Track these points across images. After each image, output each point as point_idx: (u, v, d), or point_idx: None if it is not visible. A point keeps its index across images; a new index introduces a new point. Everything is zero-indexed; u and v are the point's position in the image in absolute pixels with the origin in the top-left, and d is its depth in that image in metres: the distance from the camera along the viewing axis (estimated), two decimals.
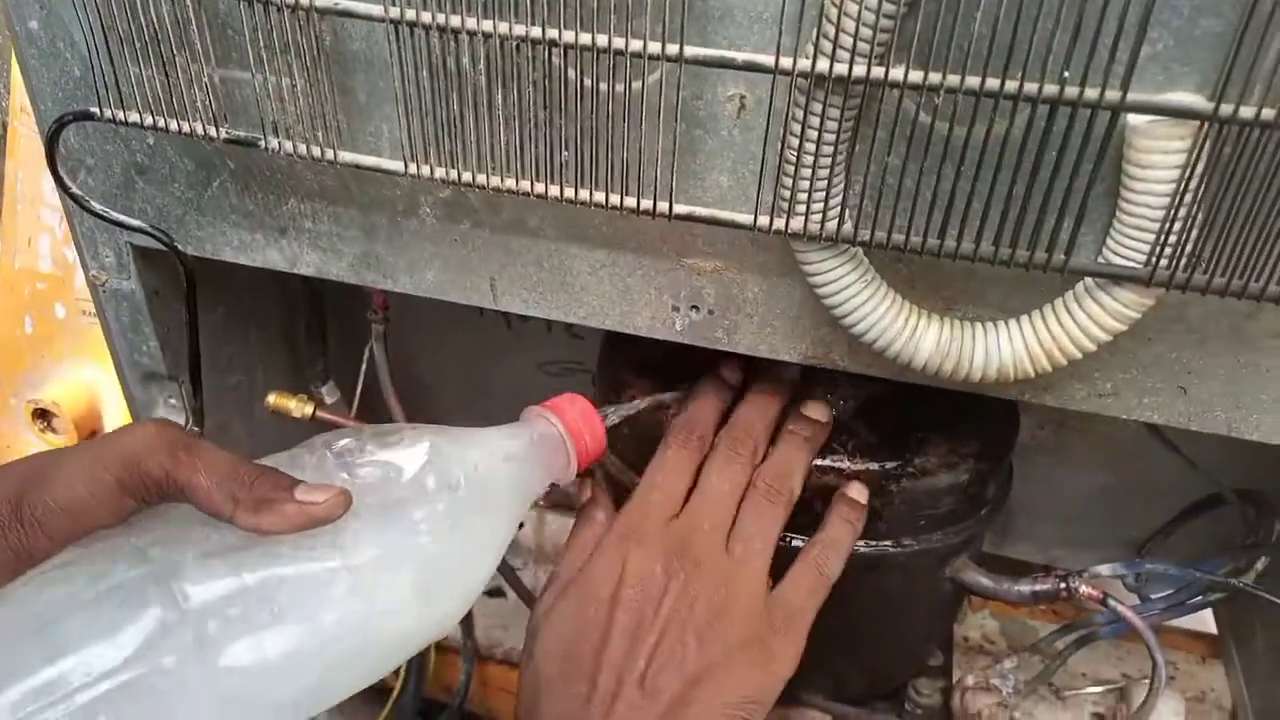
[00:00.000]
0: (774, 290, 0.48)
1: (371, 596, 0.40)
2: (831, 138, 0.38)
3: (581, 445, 0.50)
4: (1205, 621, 0.91)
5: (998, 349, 0.43)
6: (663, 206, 0.42)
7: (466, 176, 0.43)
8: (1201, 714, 0.83)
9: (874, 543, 0.57)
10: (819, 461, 0.56)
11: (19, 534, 0.37)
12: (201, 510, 0.38)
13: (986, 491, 0.60)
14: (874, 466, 0.56)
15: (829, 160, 0.39)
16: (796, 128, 0.39)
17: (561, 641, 0.49)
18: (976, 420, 0.59)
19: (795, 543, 0.55)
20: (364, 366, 0.68)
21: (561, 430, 0.50)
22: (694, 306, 0.50)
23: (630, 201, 0.42)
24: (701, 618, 0.48)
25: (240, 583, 0.37)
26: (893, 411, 0.59)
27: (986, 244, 0.40)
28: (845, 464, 0.56)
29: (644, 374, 0.62)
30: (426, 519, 0.42)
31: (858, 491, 0.55)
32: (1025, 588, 0.59)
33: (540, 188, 0.42)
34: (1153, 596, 0.63)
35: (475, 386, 0.96)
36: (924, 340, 0.43)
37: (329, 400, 0.76)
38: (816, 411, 0.56)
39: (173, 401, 0.67)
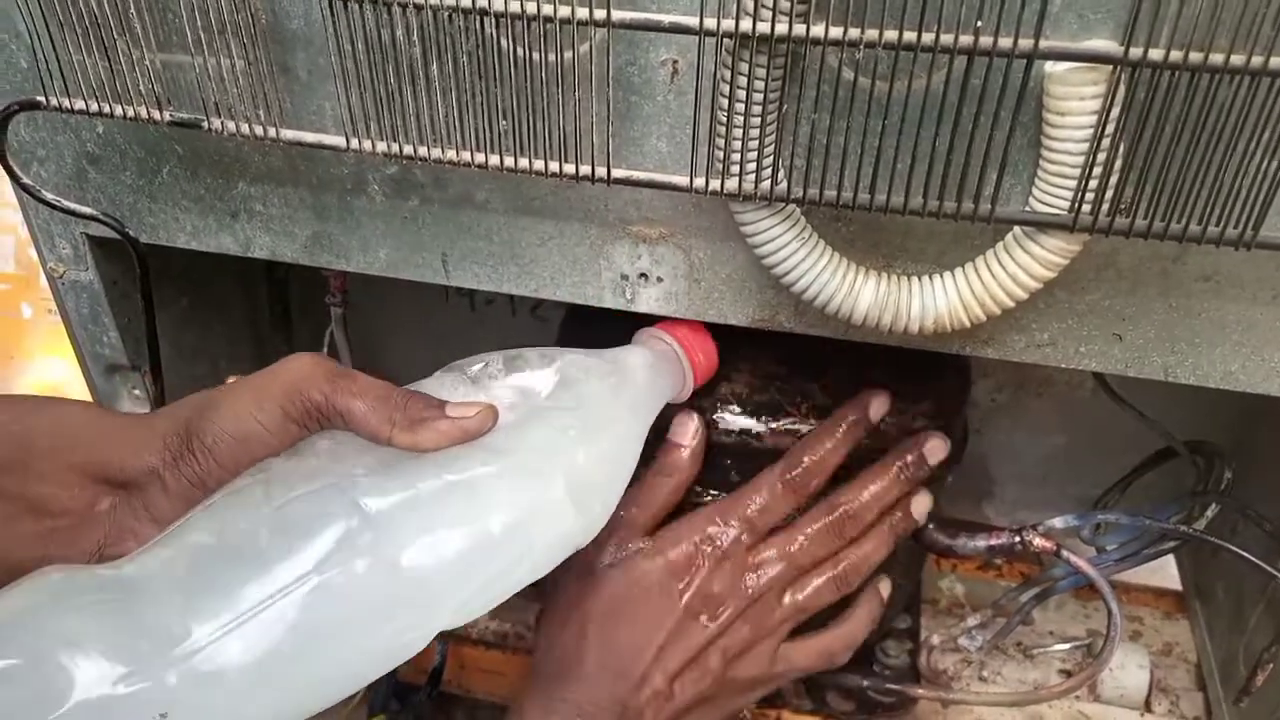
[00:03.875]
0: (719, 255, 0.49)
1: (532, 499, 0.42)
2: (760, 97, 0.39)
3: (695, 360, 0.52)
4: (1172, 579, 0.92)
5: (934, 300, 0.44)
6: (601, 172, 0.42)
7: (408, 150, 0.44)
8: (1168, 667, 0.84)
9: None
10: (773, 424, 0.57)
11: (193, 462, 0.40)
12: (360, 433, 0.39)
13: None
14: None
15: (760, 120, 0.40)
16: (726, 89, 0.39)
17: (628, 606, 0.53)
18: (928, 380, 0.60)
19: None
20: (324, 351, 0.68)
21: (676, 347, 0.52)
22: (642, 275, 0.51)
23: (570, 168, 0.43)
24: (731, 652, 0.54)
25: (414, 492, 0.39)
26: (847, 373, 0.60)
27: (916, 197, 0.41)
28: (799, 425, 0.57)
29: (601, 346, 0.62)
30: (568, 427, 0.44)
31: (886, 587, 0.60)
32: (981, 543, 0.60)
33: (480, 158, 0.43)
34: (1109, 548, 0.64)
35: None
36: (862, 295, 0.44)
37: None
38: (923, 502, 0.59)
39: (136, 392, 0.67)
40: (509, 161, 0.43)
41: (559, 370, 0.46)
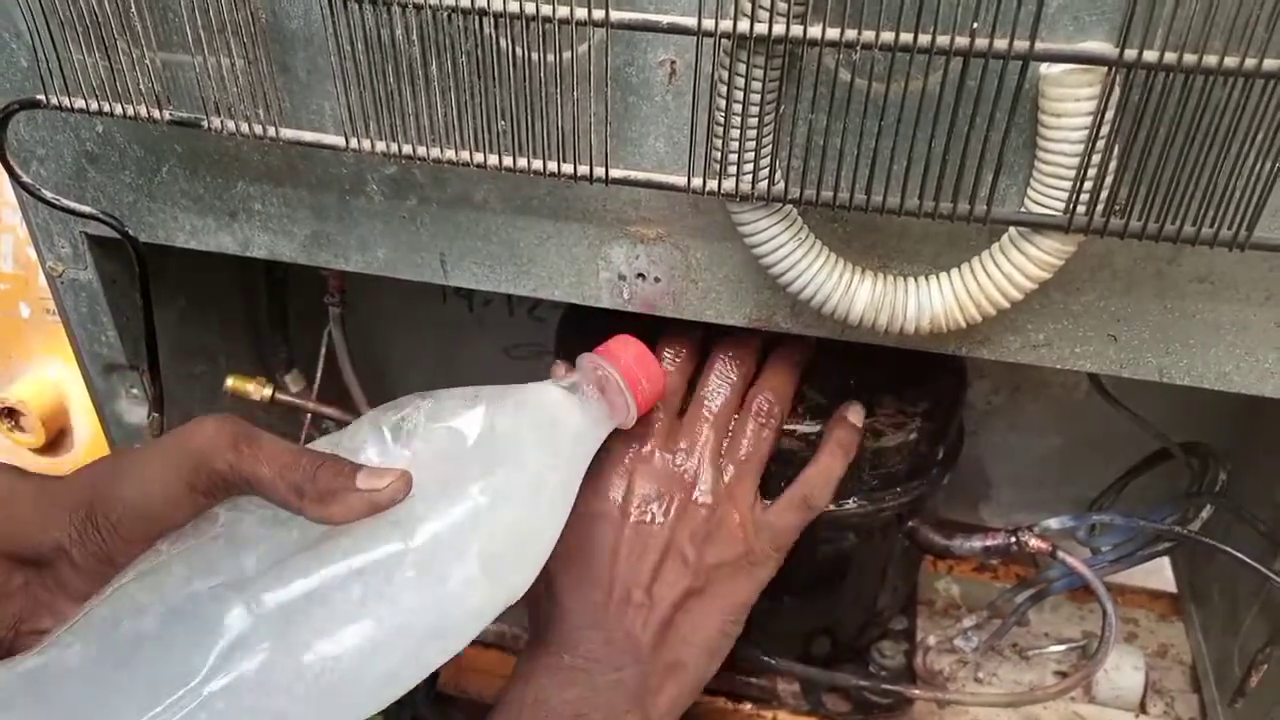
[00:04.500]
0: (716, 255, 0.49)
1: (441, 576, 0.40)
2: (758, 98, 0.39)
3: (639, 390, 0.50)
4: (1167, 580, 0.92)
5: (930, 301, 0.44)
6: (599, 172, 0.43)
7: (407, 150, 0.44)
8: (1163, 669, 0.84)
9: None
10: None
11: (98, 540, 0.39)
12: (268, 500, 0.38)
13: (936, 451, 0.62)
14: (823, 428, 0.57)
15: (757, 120, 0.40)
16: (724, 89, 0.40)
17: (580, 554, 0.53)
18: (924, 382, 0.60)
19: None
20: (323, 350, 0.68)
21: (617, 377, 0.50)
22: (640, 275, 0.51)
23: (568, 168, 0.43)
24: (697, 536, 0.53)
25: (311, 583, 0.38)
26: (842, 374, 0.60)
27: (912, 198, 0.41)
28: (796, 426, 0.57)
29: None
30: (488, 489, 0.41)
31: (855, 415, 0.57)
32: (977, 543, 0.60)
33: (479, 158, 0.43)
34: (1104, 549, 0.64)
35: (441, 372, 0.96)
36: (858, 295, 0.45)
37: (294, 388, 0.77)
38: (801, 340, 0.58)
39: (134, 391, 0.67)
40: (508, 161, 0.43)
41: (484, 420, 0.43)
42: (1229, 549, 0.56)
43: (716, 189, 0.42)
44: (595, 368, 0.51)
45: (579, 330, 0.65)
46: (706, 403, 0.56)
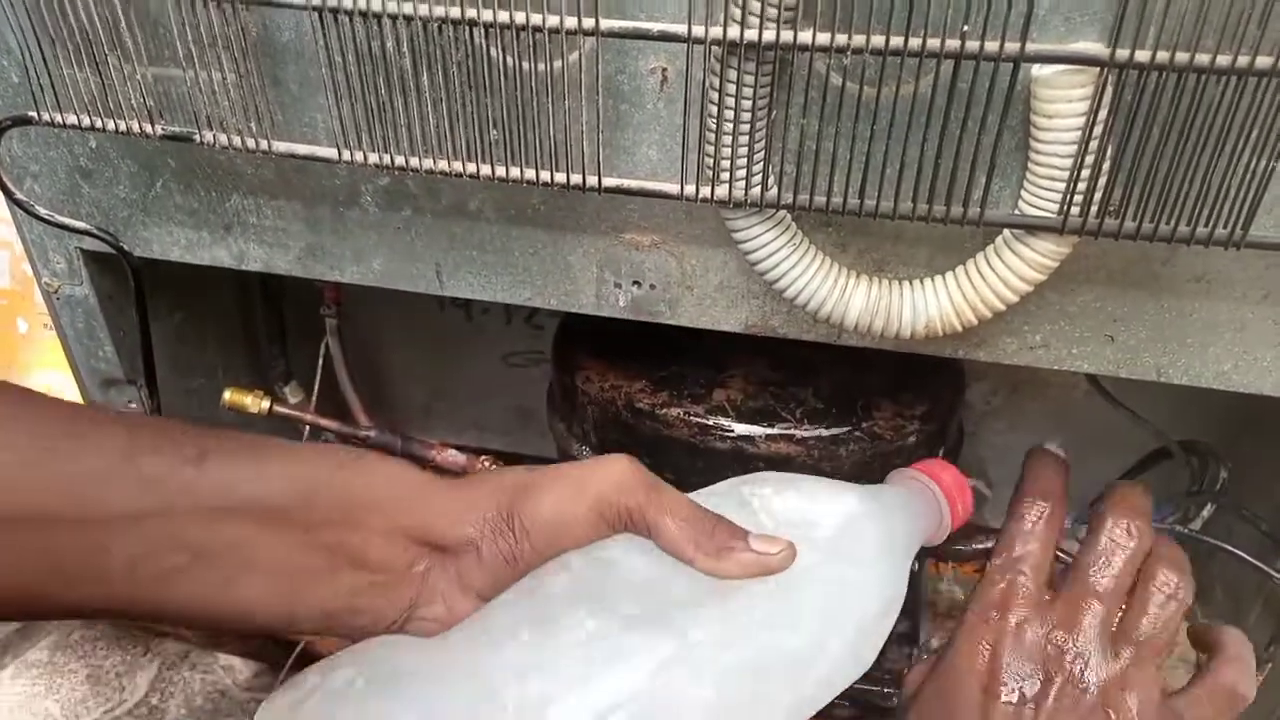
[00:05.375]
0: (710, 261, 0.49)
1: (818, 649, 0.42)
2: (749, 104, 0.39)
3: (955, 512, 0.51)
4: None
5: (925, 305, 0.44)
6: (592, 181, 0.43)
7: (400, 161, 0.44)
8: (1168, 667, 0.84)
9: None
10: (768, 430, 0.57)
11: (510, 541, 0.42)
12: (665, 548, 0.41)
13: (936, 453, 0.62)
14: (823, 432, 0.57)
15: (749, 127, 0.40)
16: (715, 96, 0.40)
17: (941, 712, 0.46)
18: (922, 385, 0.60)
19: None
20: (320, 362, 0.68)
21: (938, 494, 0.50)
22: (635, 282, 0.51)
23: (560, 177, 0.43)
24: None
25: (726, 630, 0.40)
26: (841, 378, 0.60)
27: (906, 202, 0.41)
28: (794, 430, 0.57)
29: (598, 356, 0.63)
30: (854, 581, 0.44)
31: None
32: (979, 545, 0.60)
33: (472, 168, 0.43)
34: None
35: (442, 381, 0.96)
36: (854, 300, 0.45)
37: (292, 400, 0.77)
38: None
39: (133, 405, 0.67)
40: (500, 171, 0.43)
41: (839, 512, 0.46)
42: (1230, 548, 0.56)
43: (710, 196, 0.42)
44: (919, 484, 0.51)
45: (577, 339, 0.65)
46: (1094, 572, 0.45)
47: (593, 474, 0.42)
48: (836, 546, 0.44)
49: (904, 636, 0.74)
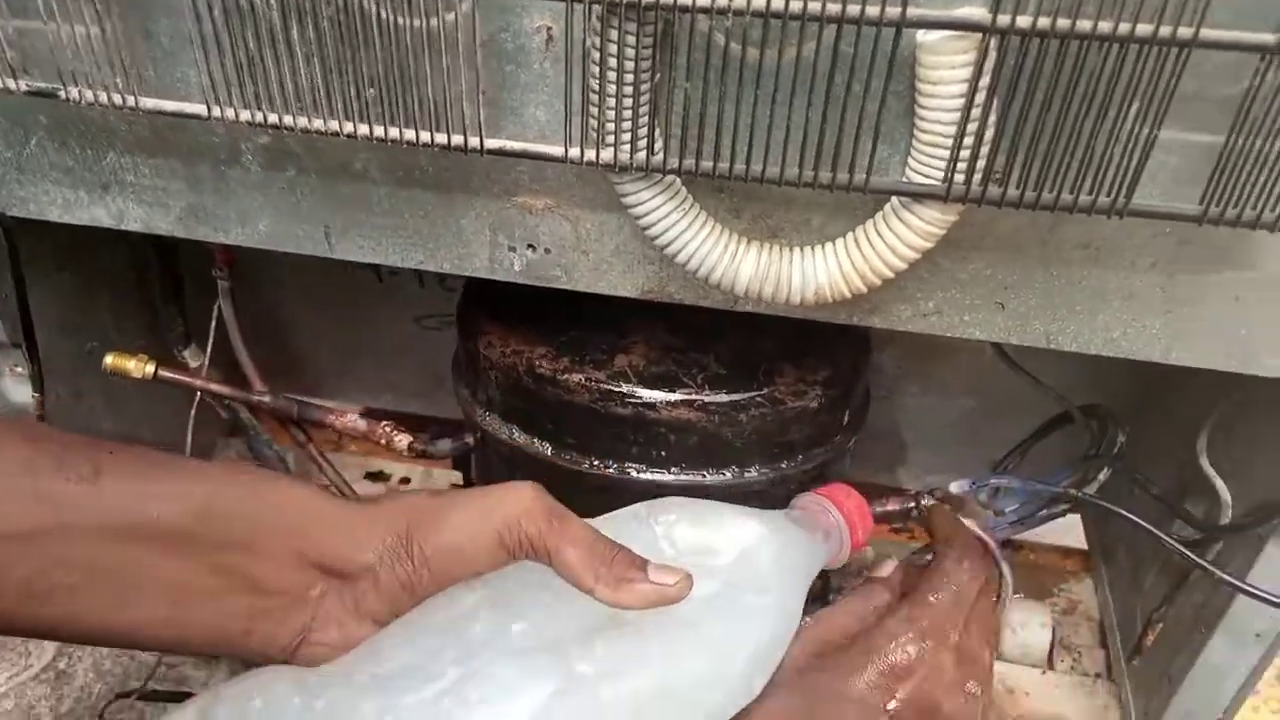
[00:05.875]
0: (605, 226, 0.48)
1: (713, 681, 0.42)
2: (633, 66, 0.38)
3: (856, 538, 0.52)
4: (1082, 538, 0.94)
5: (814, 271, 0.43)
6: (474, 142, 0.41)
7: (273, 119, 0.42)
8: (1071, 625, 0.86)
9: (725, 472, 0.58)
10: (669, 395, 0.57)
11: (408, 568, 0.41)
12: (564, 577, 0.41)
13: (840, 418, 0.62)
14: (724, 397, 0.57)
15: (633, 89, 0.39)
16: (598, 57, 0.38)
17: None
18: (825, 349, 0.60)
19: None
20: (214, 325, 0.66)
21: (839, 520, 0.51)
22: (529, 246, 0.50)
23: (441, 138, 0.41)
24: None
25: (616, 664, 0.40)
26: (743, 343, 0.59)
27: (792, 168, 0.40)
28: (695, 396, 0.57)
29: (501, 321, 0.62)
30: (754, 610, 0.44)
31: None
32: (877, 509, 0.60)
33: (349, 127, 0.42)
34: (1006, 511, 0.65)
35: (355, 345, 0.94)
36: (744, 266, 0.44)
37: (193, 364, 0.74)
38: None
39: (19, 369, 0.64)
40: (379, 131, 0.42)
41: (739, 540, 0.46)
42: (1121, 510, 0.56)
43: (595, 160, 0.41)
44: (820, 509, 0.52)
45: (480, 303, 0.64)
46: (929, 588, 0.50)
47: (496, 501, 0.42)
48: (735, 575, 0.45)
49: (815, 598, 0.75)
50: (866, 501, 0.53)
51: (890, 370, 0.82)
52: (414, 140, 0.41)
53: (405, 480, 0.99)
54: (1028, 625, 0.79)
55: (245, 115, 0.42)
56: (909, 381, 0.83)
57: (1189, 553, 0.55)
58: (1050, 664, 0.81)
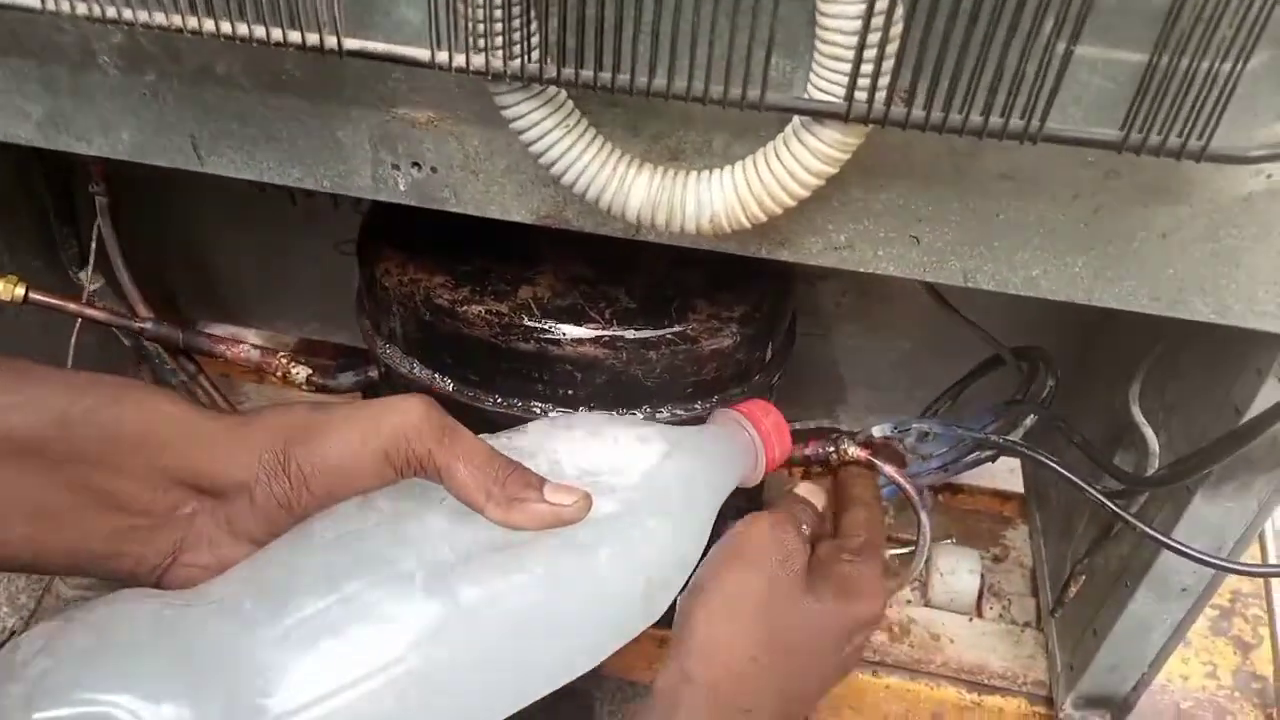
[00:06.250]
0: (494, 144, 0.44)
1: (613, 594, 0.42)
2: None
3: (771, 456, 0.51)
4: (1020, 482, 0.92)
5: (710, 197, 0.40)
6: (330, 42, 0.37)
7: (111, 12, 0.38)
8: (1003, 571, 0.85)
9: (636, 412, 0.55)
10: (574, 331, 0.53)
11: (285, 486, 0.39)
12: (455, 495, 0.39)
13: (759, 356, 0.59)
14: (633, 334, 0.54)
15: None
16: None
17: (810, 662, 0.49)
18: (744, 285, 0.57)
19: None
20: (94, 245, 0.62)
21: (755, 436, 0.50)
22: (414, 163, 0.46)
23: (295, 36, 0.37)
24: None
25: (502, 586, 0.39)
26: (657, 277, 0.56)
27: (681, 80, 0.36)
28: (603, 331, 0.53)
29: (401, 248, 0.58)
30: (653, 532, 0.43)
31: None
32: (797, 451, 0.57)
33: (193, 22, 0.37)
34: (934, 454, 0.62)
35: (273, 270, 0.90)
36: (634, 190, 0.40)
37: (91, 287, 0.70)
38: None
39: None
40: (225, 27, 0.37)
41: (645, 459, 0.44)
42: (1044, 457, 0.54)
43: (464, 65, 0.37)
44: (736, 426, 0.51)
45: (381, 229, 0.60)
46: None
47: (383, 416, 0.40)
48: (636, 495, 0.43)
49: None
50: (781, 417, 0.52)
51: (828, 307, 0.79)
52: (264, 38, 0.37)
53: None
54: (955, 571, 0.78)
55: (82, 9, 0.38)
56: (848, 320, 0.80)
57: (1111, 504, 0.52)
58: (979, 611, 0.79)
